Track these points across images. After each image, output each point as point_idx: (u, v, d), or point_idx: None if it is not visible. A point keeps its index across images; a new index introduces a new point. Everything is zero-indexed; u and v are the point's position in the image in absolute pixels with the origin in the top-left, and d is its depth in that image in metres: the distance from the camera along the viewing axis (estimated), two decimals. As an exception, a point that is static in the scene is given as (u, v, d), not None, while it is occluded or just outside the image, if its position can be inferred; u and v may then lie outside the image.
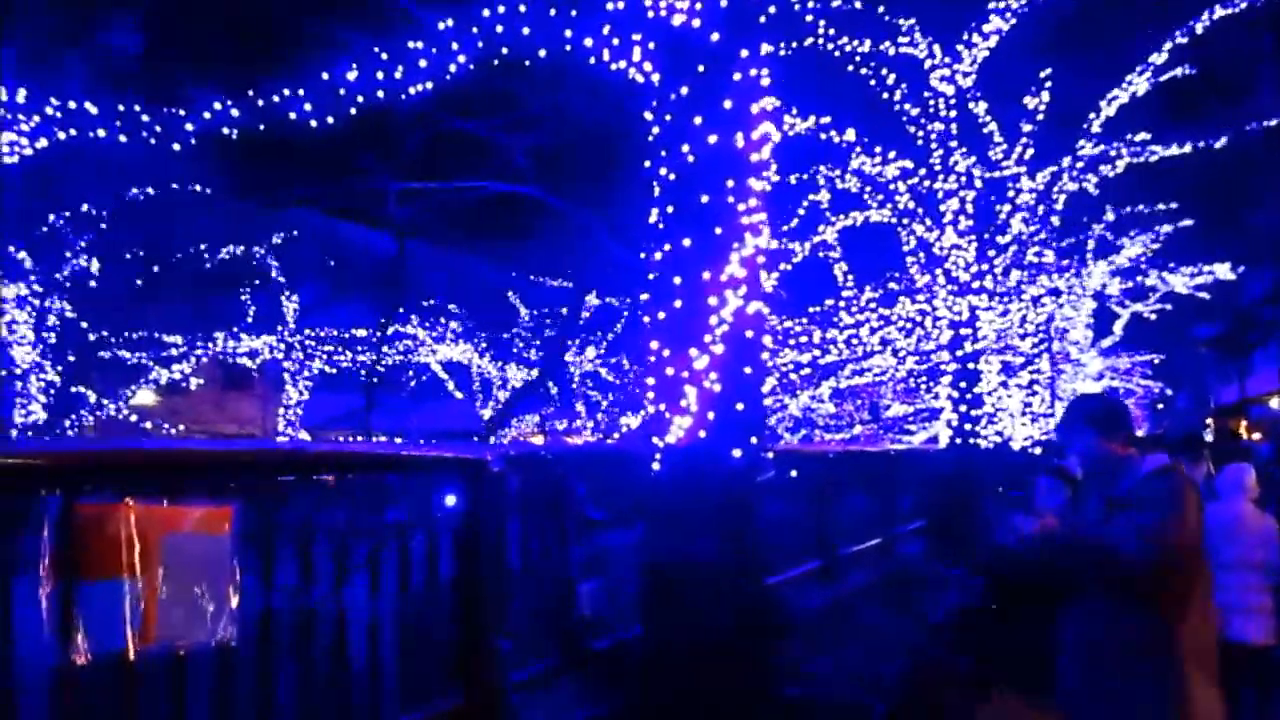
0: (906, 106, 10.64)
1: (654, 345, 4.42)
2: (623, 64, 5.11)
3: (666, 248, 4.44)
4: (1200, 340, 39.19)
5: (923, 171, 10.47)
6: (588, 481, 4.56)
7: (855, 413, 31.11)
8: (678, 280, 4.38)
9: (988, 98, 13.67)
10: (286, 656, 3.24)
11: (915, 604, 8.24)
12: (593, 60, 5.29)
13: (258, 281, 19.88)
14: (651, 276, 4.45)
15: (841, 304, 11.99)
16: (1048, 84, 12.19)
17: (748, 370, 4.35)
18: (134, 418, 16.05)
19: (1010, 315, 17.81)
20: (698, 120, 4.44)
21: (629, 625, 4.89)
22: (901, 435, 27.74)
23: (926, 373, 15.67)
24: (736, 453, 4.25)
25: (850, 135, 10.18)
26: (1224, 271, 22.35)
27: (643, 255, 4.56)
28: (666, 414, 4.36)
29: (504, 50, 6.01)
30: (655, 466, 4.35)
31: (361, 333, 20.43)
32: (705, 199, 4.39)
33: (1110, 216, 23.45)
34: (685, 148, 4.41)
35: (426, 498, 4.03)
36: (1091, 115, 15.63)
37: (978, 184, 11.63)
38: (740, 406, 4.29)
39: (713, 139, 4.40)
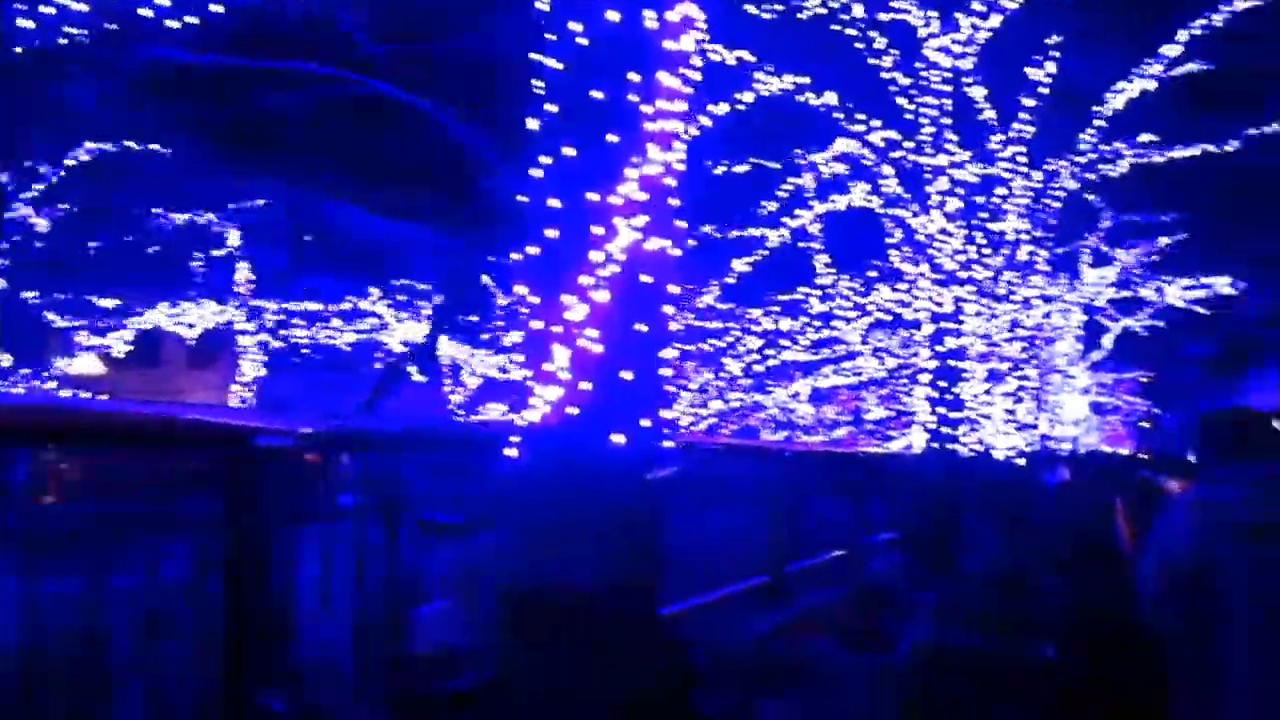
0: (897, 76, 9.44)
1: (520, 290, 3.23)
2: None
3: (546, 161, 3.25)
4: (1192, 359, 38.11)
5: (909, 145, 9.27)
6: (434, 472, 3.36)
7: (839, 415, 29.97)
8: (555, 203, 3.19)
9: (989, 84, 12.50)
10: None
11: (882, 631, 7.06)
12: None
13: (214, 251, 18.63)
14: (523, 200, 3.26)
15: (816, 292, 10.82)
16: (1054, 54, 10.97)
17: (641, 328, 3.16)
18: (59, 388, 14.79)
19: (999, 318, 16.67)
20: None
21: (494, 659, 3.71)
22: (884, 441, 26.58)
23: (908, 376, 14.54)
24: (618, 439, 3.05)
25: (831, 98, 9.01)
26: (1223, 285, 21.19)
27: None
28: (530, 382, 3.17)
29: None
30: (511, 453, 3.16)
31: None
32: (598, 96, 3.19)
33: (1108, 223, 22.31)
34: (576, 27, 3.22)
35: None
36: (1097, 108, 14.48)
37: (970, 172, 10.48)
38: (628, 376, 3.10)
39: (613, 16, 3.20)
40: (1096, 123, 14.19)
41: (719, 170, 13.90)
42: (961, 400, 9.44)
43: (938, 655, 5.64)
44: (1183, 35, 13.02)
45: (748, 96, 8.91)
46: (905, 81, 9.47)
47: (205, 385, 24.51)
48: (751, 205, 13.70)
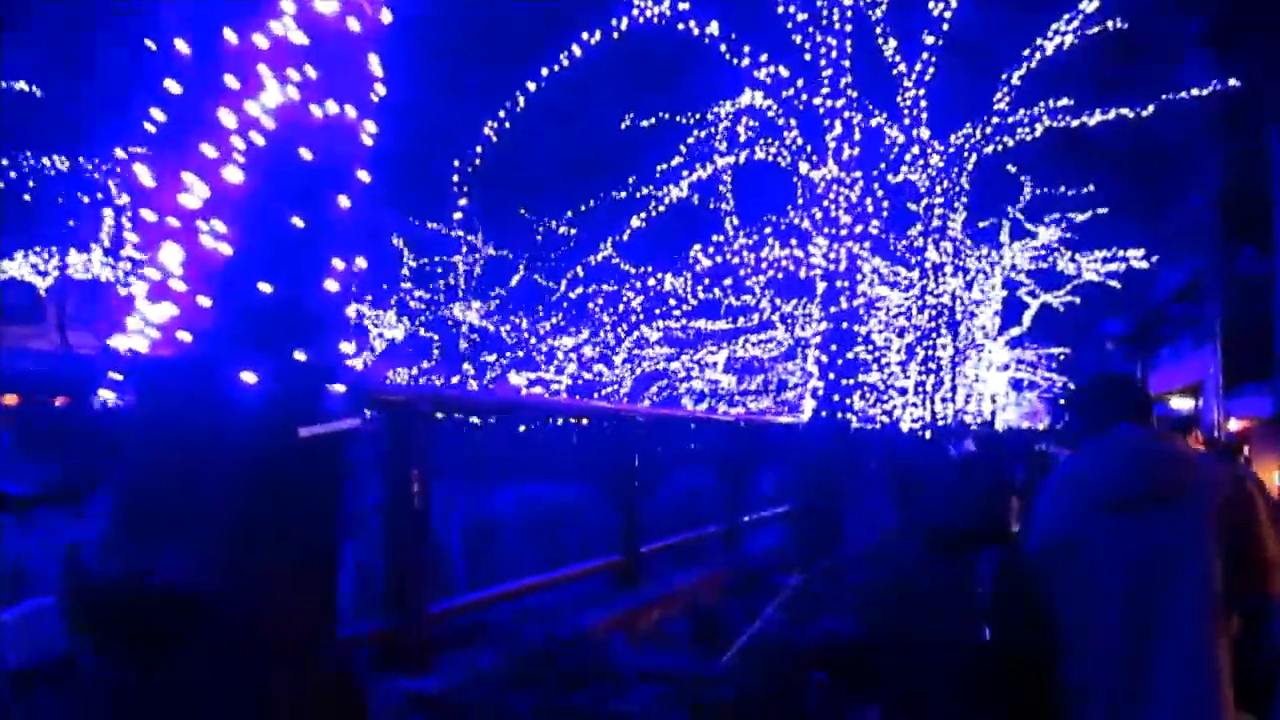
0: (792, 10, 8.53)
1: (138, 170, 2.24)
2: None
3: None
4: (1108, 336, 38.27)
5: (801, 82, 8.38)
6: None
7: (764, 387, 29.36)
8: (184, 48, 2.21)
9: (897, 34, 11.70)
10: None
11: (736, 619, 6.25)
12: None
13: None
14: (149, 44, 2.28)
15: (710, 249, 9.96)
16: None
17: (299, 223, 2.20)
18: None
19: (908, 287, 15.99)
20: None
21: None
22: (795, 413, 25.99)
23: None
24: (249, 377, 2.09)
25: (713, 29, 8.07)
26: (1137, 259, 20.85)
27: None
28: (134, 294, 2.20)
29: None
30: (108, 397, 2.18)
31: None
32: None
33: (1027, 194, 21.83)
34: None
35: None
36: (1013, 70, 13.79)
37: (871, 123, 9.66)
38: (267, 288, 2.14)
39: None
40: (1011, 82, 13.48)
41: (624, 124, 12.99)
42: (855, 365, 8.64)
43: (777, 653, 4.83)
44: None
45: (623, 24, 7.96)
46: (803, 17, 8.56)
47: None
48: (656, 161, 12.81)
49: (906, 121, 10.25)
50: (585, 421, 6.12)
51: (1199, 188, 25.06)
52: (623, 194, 12.61)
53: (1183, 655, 2.73)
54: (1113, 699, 2.75)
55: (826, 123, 8.73)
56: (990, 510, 6.65)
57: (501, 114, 8.37)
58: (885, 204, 8.90)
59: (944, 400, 17.05)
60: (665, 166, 12.29)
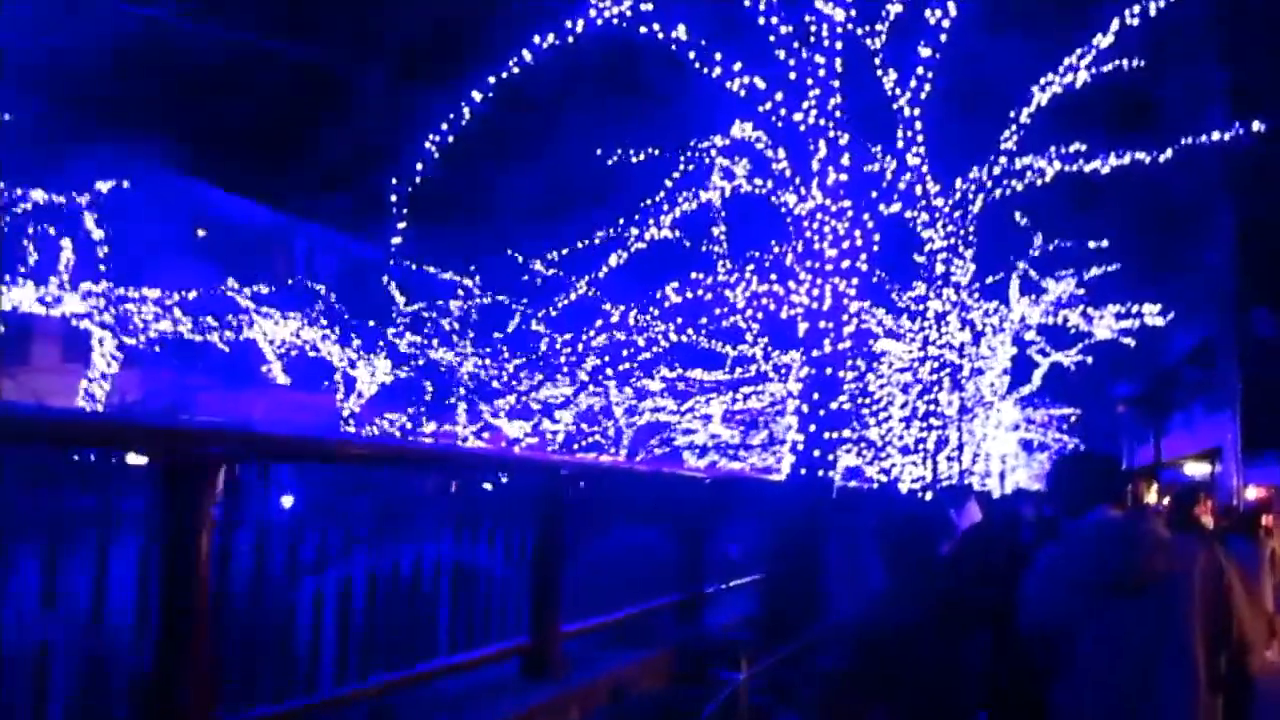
0: (775, 21, 7.53)
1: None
2: None
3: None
4: (1119, 399, 36.95)
5: (780, 95, 7.34)
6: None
7: (770, 441, 28.16)
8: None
9: (894, 63, 10.71)
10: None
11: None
12: None
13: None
14: None
15: (679, 286, 8.87)
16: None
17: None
18: None
19: (909, 338, 14.86)
20: None
21: None
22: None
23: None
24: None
25: (680, 33, 7.05)
26: (1152, 315, 19.66)
27: None
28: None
29: None
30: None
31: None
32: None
33: (1038, 245, 20.73)
34: None
35: None
36: (1022, 108, 12.79)
37: (871, 149, 8.63)
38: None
39: None
40: (1020, 120, 12.47)
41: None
42: (841, 416, 7.50)
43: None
44: (1115, 25, 11.31)
45: (579, 26, 6.96)
46: (787, 30, 7.56)
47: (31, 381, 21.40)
48: (639, 195, 11.81)
49: (900, 146, 9.19)
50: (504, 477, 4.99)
51: (1215, 246, 23.99)
52: (599, 235, 11.58)
53: None
54: None
55: (811, 146, 7.69)
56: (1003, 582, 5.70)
57: (444, 127, 7.37)
58: (876, 238, 7.80)
59: (949, 459, 15.83)
60: (649, 202, 11.29)
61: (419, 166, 7.56)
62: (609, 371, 24.65)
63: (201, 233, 25.59)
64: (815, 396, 7.36)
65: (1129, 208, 19.96)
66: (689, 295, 8.63)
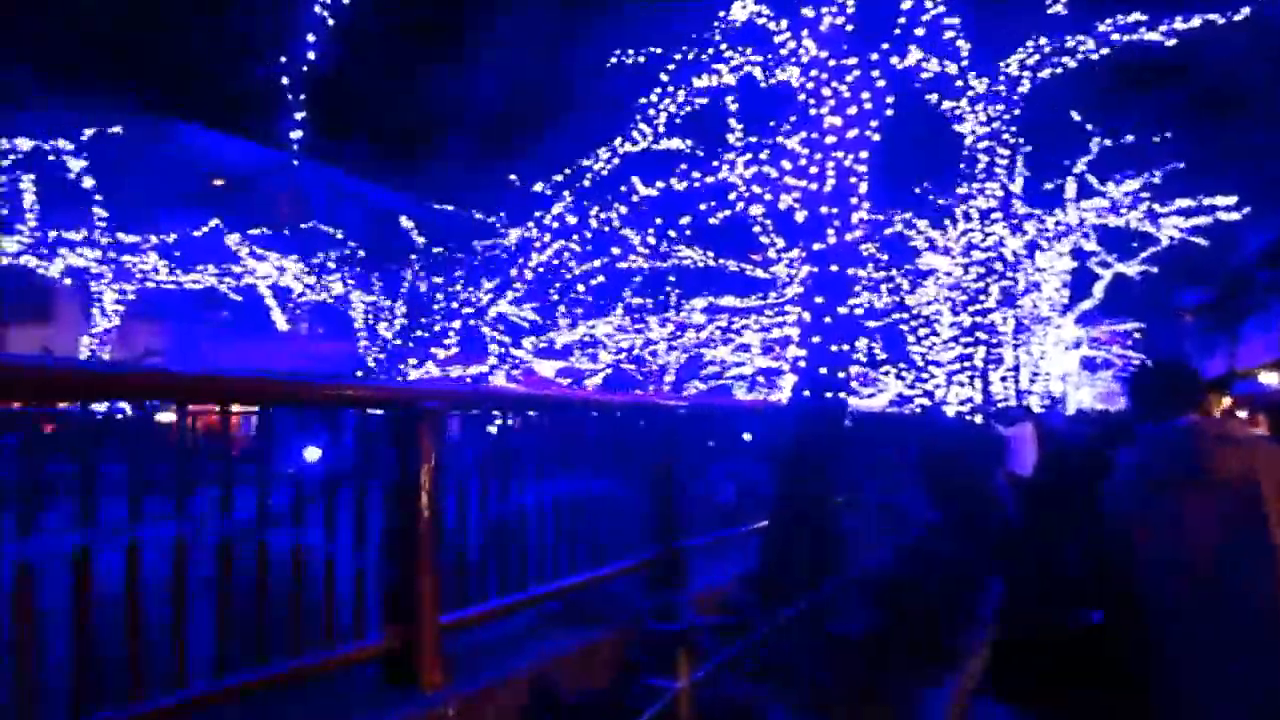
0: None
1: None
2: None
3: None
4: (1185, 308, 34.40)
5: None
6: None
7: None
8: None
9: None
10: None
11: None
12: None
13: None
14: None
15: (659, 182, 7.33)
16: None
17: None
18: None
19: (950, 238, 13.12)
20: None
21: None
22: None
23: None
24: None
25: None
26: (1225, 209, 17.48)
27: None
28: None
29: None
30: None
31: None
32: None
33: (1095, 146, 18.58)
34: None
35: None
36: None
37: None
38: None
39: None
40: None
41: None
42: (851, 324, 5.97)
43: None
44: None
45: None
46: None
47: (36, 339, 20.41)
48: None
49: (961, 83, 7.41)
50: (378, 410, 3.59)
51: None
52: (603, 152, 10.02)
53: (1250, 615, 2.77)
54: (1191, 653, 2.83)
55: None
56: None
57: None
58: (890, 99, 6.16)
59: (1003, 380, 14.13)
60: (651, 97, 9.68)
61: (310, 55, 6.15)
62: (648, 303, 23.15)
63: (218, 182, 24.53)
64: (818, 300, 5.82)
65: (1194, 92, 17.70)
66: (693, 181, 7.08)
